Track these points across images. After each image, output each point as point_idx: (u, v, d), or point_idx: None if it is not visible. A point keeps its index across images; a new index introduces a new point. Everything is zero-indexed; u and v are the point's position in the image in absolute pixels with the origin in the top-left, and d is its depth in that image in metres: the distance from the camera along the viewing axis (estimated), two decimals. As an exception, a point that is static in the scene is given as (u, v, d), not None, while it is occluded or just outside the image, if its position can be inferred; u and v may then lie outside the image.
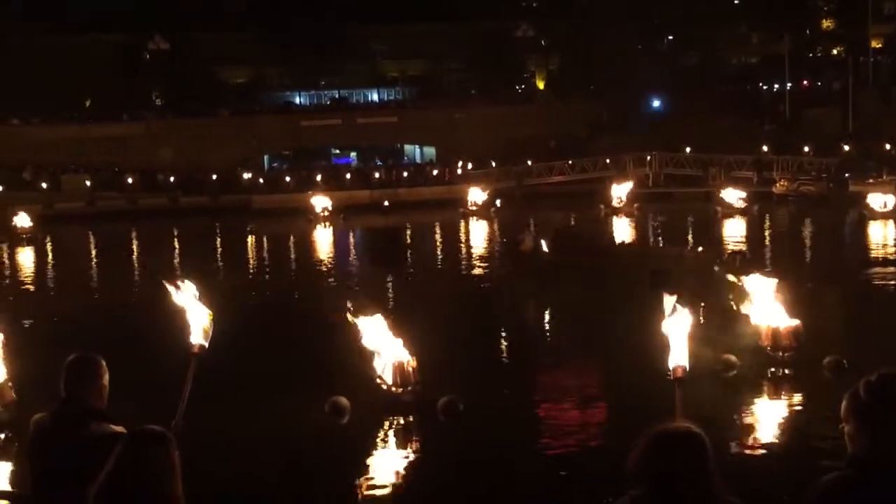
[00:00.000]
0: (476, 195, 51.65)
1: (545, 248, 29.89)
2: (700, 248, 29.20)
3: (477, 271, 33.35)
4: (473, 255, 37.45)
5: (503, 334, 21.85)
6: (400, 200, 55.79)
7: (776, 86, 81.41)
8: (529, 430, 14.41)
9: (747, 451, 13.34)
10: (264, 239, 46.97)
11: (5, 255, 41.53)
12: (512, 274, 30.17)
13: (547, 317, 24.69)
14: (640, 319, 18.41)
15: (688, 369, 5.76)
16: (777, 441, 14.15)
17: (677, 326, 5.96)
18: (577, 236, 32.47)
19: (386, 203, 54.52)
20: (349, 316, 15.38)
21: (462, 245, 42.63)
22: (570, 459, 13.24)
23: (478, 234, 45.04)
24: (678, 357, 5.78)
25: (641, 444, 3.93)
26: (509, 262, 31.42)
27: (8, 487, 12.19)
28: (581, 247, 30.34)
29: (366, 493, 12.26)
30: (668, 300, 6.15)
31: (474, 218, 49.58)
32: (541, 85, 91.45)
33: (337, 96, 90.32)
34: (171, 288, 6.64)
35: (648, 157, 62.16)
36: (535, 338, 21.90)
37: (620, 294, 23.04)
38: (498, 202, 51.57)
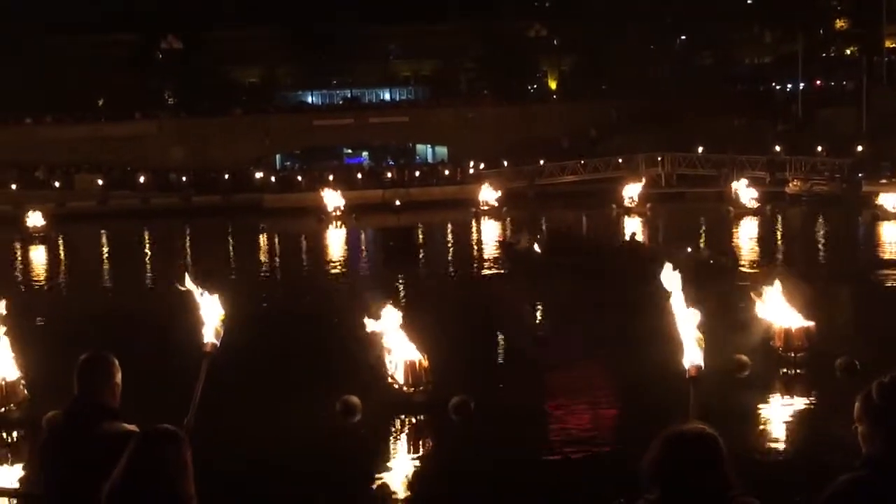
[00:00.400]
0: (487, 195, 51.61)
1: (537, 249, 30.04)
2: (689, 249, 29.28)
3: (487, 271, 33.36)
4: (484, 255, 37.44)
5: (506, 334, 21.80)
6: (412, 200, 55.73)
7: (789, 86, 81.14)
8: (542, 429, 14.41)
9: (760, 452, 13.31)
10: (276, 238, 47.04)
11: (18, 254, 41.68)
12: (509, 273, 30.35)
13: (544, 317, 24.71)
14: (632, 318, 18.51)
15: (702, 368, 5.72)
16: (790, 442, 14.12)
17: (689, 325, 5.92)
18: (570, 236, 32.65)
19: (398, 203, 54.48)
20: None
21: (473, 245, 42.62)
22: (582, 460, 13.24)
23: (489, 234, 45.01)
24: (693, 356, 5.73)
25: (656, 446, 3.93)
26: (507, 262, 31.60)
27: (20, 486, 12.23)
28: (572, 246, 30.47)
29: (376, 491, 12.28)
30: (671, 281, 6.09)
31: (486, 218, 49.55)
32: (553, 85, 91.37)
33: (349, 96, 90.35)
34: (184, 288, 6.66)
35: (661, 158, 62.03)
36: (533, 337, 21.89)
37: (612, 293, 23.14)
38: (496, 203, 51.12)
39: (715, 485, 3.83)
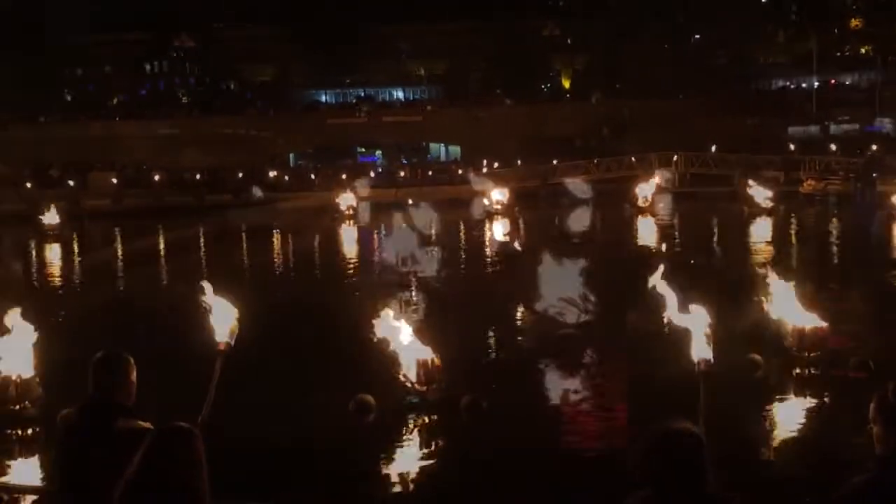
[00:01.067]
0: (499, 194, 51.56)
1: (518, 247, 30.09)
2: (665, 248, 29.34)
3: (498, 269, 33.36)
4: (495, 254, 37.39)
5: (510, 332, 21.74)
6: (425, 199, 55.71)
7: (803, 84, 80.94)
8: (551, 429, 14.40)
9: (772, 452, 13.28)
10: (289, 236, 47.08)
11: (33, 252, 41.81)
12: (503, 273, 30.45)
13: (535, 314, 24.65)
14: (630, 317, 18.45)
15: (712, 362, 5.72)
16: (802, 442, 14.07)
17: (698, 321, 5.92)
18: (568, 236, 32.70)
19: (410, 201, 54.51)
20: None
21: (486, 243, 42.57)
22: (592, 460, 13.22)
23: (499, 233, 44.91)
24: (701, 351, 5.74)
25: (640, 443, 3.95)
26: (500, 261, 31.75)
27: (35, 482, 12.28)
28: (567, 246, 30.48)
29: (389, 490, 12.30)
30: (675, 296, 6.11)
31: (498, 217, 49.51)
32: (566, 84, 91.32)
33: (362, 95, 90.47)
34: (199, 290, 6.71)
35: (675, 157, 61.91)
36: (530, 334, 21.86)
37: (606, 292, 23.15)
38: (507, 201, 51.04)
39: (696, 482, 3.84)
